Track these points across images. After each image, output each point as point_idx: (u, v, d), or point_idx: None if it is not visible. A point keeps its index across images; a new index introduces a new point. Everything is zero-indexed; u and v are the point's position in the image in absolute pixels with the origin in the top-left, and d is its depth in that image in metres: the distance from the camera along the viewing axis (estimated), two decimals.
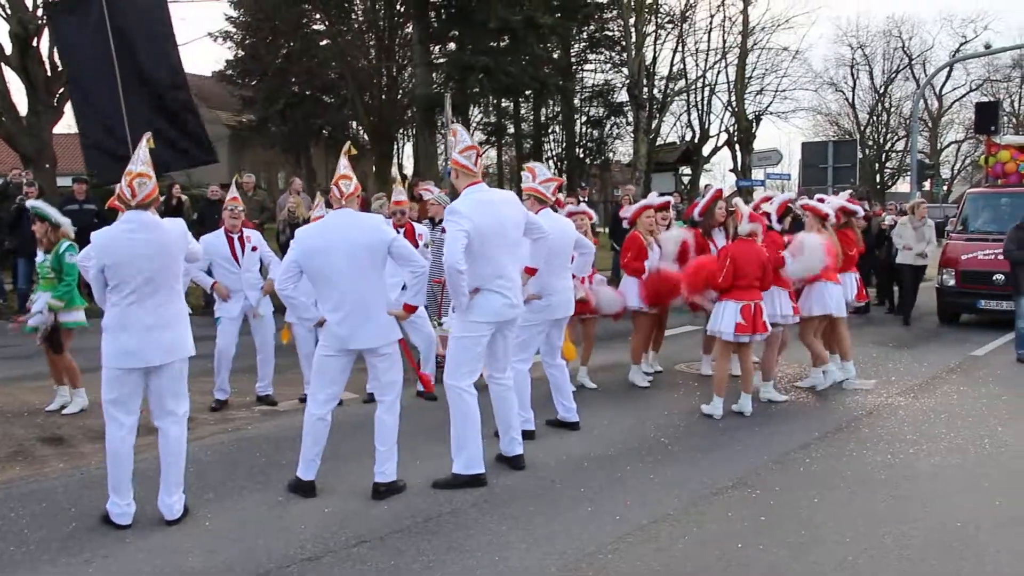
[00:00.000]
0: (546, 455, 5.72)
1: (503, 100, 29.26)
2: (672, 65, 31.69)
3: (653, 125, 30.51)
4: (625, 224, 8.71)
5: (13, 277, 12.30)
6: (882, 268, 13.33)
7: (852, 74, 43.85)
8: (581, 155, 32.54)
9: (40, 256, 6.90)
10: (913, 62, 43.24)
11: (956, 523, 4.61)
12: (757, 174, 26.64)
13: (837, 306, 7.71)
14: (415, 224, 7.90)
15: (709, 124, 32.99)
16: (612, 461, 5.65)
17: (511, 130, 32.43)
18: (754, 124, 32.80)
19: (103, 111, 7.06)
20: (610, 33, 29.95)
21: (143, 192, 4.47)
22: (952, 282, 11.89)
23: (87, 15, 7.00)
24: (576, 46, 30.83)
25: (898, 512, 4.77)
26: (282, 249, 10.85)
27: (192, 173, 20.70)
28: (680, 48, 31.56)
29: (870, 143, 44.02)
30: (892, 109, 44.36)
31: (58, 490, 5.09)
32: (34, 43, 16.05)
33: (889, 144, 45.21)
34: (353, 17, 29.20)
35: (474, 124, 30.87)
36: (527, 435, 5.80)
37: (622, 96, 30.73)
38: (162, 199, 7.80)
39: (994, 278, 11.29)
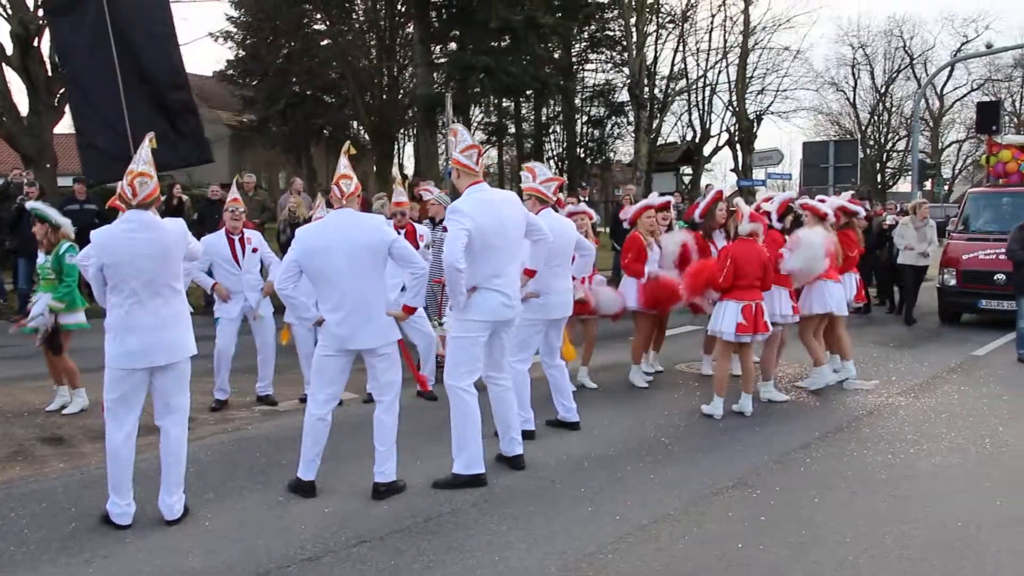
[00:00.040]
0: (546, 455, 5.72)
1: (504, 100, 29.28)
2: (673, 65, 31.76)
3: (654, 125, 30.50)
4: (625, 225, 8.69)
5: (14, 277, 12.31)
6: (883, 268, 13.31)
7: (853, 74, 43.91)
8: (582, 155, 32.55)
9: (41, 257, 6.90)
10: (914, 62, 43.28)
11: (957, 523, 4.60)
12: (758, 174, 26.62)
13: (838, 304, 7.70)
14: (416, 225, 7.90)
15: (710, 124, 33.05)
16: (612, 461, 5.64)
17: (512, 130, 32.46)
18: (755, 124, 32.83)
19: (102, 110, 7.05)
20: (611, 33, 29.96)
21: (144, 192, 4.47)
22: (953, 282, 11.88)
23: (84, 14, 6.99)
24: (577, 46, 30.84)
25: (899, 512, 4.76)
26: (282, 249, 10.85)
27: (193, 173, 20.72)
28: (681, 48, 31.62)
29: (871, 143, 44.02)
30: (893, 109, 44.39)
31: (58, 490, 5.09)
32: (35, 43, 16.06)
33: (890, 144, 45.21)
34: (354, 17, 29.22)
35: (475, 124, 30.88)
36: (527, 435, 5.80)
37: (623, 96, 30.78)
38: (163, 199, 7.79)
39: (995, 278, 11.27)
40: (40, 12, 15.82)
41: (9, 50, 16.15)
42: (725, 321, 6.71)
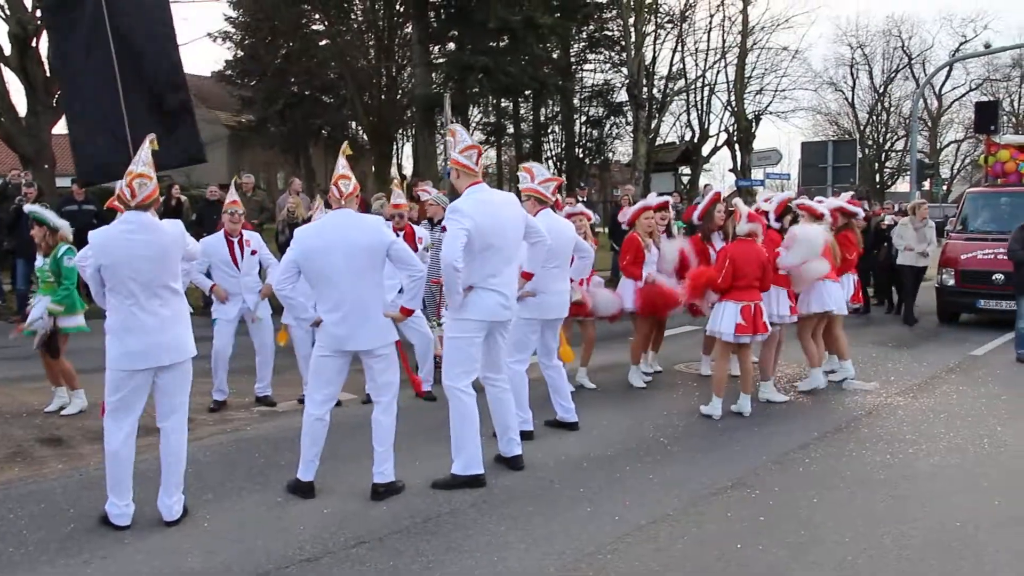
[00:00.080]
0: (545, 455, 5.72)
1: (502, 100, 29.29)
2: (672, 65, 31.73)
3: (652, 125, 30.51)
4: (624, 226, 8.69)
5: (12, 278, 12.31)
6: (882, 268, 13.32)
7: (852, 74, 43.95)
8: (580, 155, 32.56)
9: (39, 260, 6.89)
10: (913, 62, 43.31)
11: (955, 523, 4.61)
12: (757, 174, 26.63)
13: (837, 304, 7.69)
14: (415, 227, 7.89)
15: (709, 124, 33.02)
16: (611, 461, 5.64)
17: (511, 130, 32.47)
18: (754, 124, 32.80)
19: (100, 110, 7.03)
20: (609, 33, 29.97)
21: (143, 193, 4.47)
22: (952, 282, 11.90)
23: (81, 14, 6.98)
24: (575, 46, 30.84)
25: (897, 512, 4.77)
26: (281, 249, 10.85)
27: (191, 173, 20.68)
28: (680, 48, 31.60)
29: (870, 143, 44.05)
30: (892, 109, 44.44)
31: (57, 491, 5.09)
32: (33, 43, 16.05)
33: (889, 144, 45.26)
34: (352, 17, 29.21)
35: (473, 124, 30.88)
36: (526, 436, 5.80)
37: (621, 96, 30.79)
38: (161, 199, 7.77)
39: (994, 278, 11.29)
40: (38, 13, 15.81)
41: (7, 51, 16.14)
42: (724, 322, 6.71)
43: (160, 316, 4.47)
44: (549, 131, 33.13)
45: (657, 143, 31.29)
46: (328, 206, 5.31)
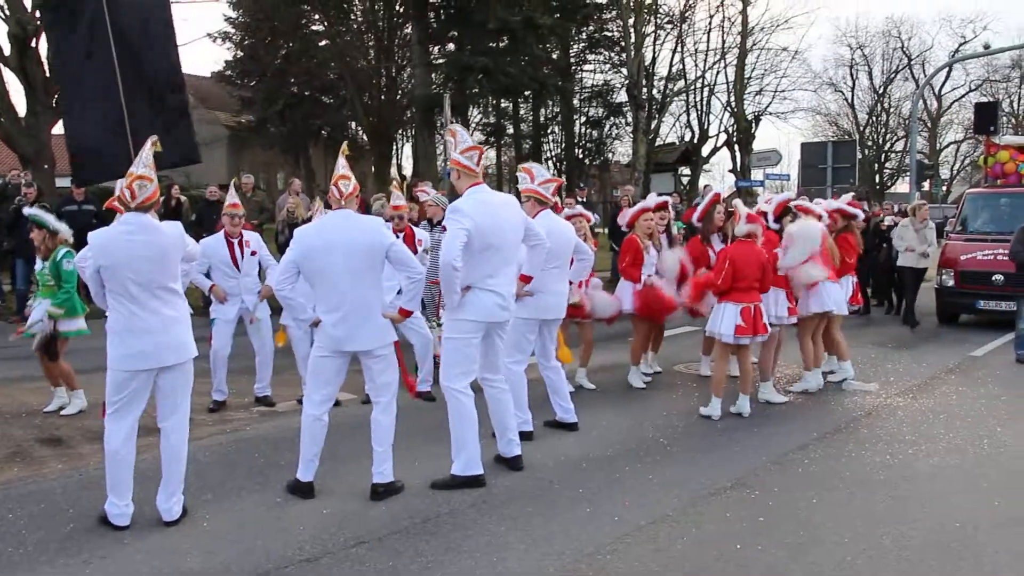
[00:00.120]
0: (544, 456, 5.72)
1: (502, 101, 29.29)
2: (671, 65, 31.75)
3: (652, 125, 30.52)
4: (624, 228, 8.68)
5: (12, 278, 12.30)
6: (882, 269, 13.32)
7: (851, 74, 43.98)
8: (580, 155, 32.57)
9: (39, 264, 6.88)
10: (912, 62, 43.31)
11: (955, 524, 4.61)
12: (756, 174, 26.61)
13: (836, 303, 7.69)
14: (415, 228, 7.89)
15: (708, 124, 33.03)
16: (610, 462, 5.64)
17: (510, 131, 32.48)
18: (753, 124, 32.80)
19: (99, 110, 7.03)
20: (609, 33, 29.99)
21: (143, 195, 4.47)
22: (951, 282, 11.90)
23: (82, 13, 6.97)
24: (575, 46, 30.85)
25: (897, 513, 4.77)
26: (280, 249, 10.85)
27: (191, 173, 20.70)
28: (679, 48, 31.61)
29: (869, 143, 44.06)
30: (891, 109, 44.47)
31: (56, 491, 5.08)
32: (33, 44, 16.05)
33: (888, 144, 45.29)
34: (352, 18, 29.23)
35: (473, 125, 30.88)
36: (525, 436, 5.80)
37: (621, 96, 30.81)
38: (161, 200, 7.77)
39: (993, 278, 11.29)
40: (38, 13, 15.81)
41: (7, 51, 16.14)
42: (724, 323, 6.70)
43: (162, 316, 4.47)
44: (549, 132, 33.15)
45: (657, 144, 31.31)
46: (328, 206, 5.31)
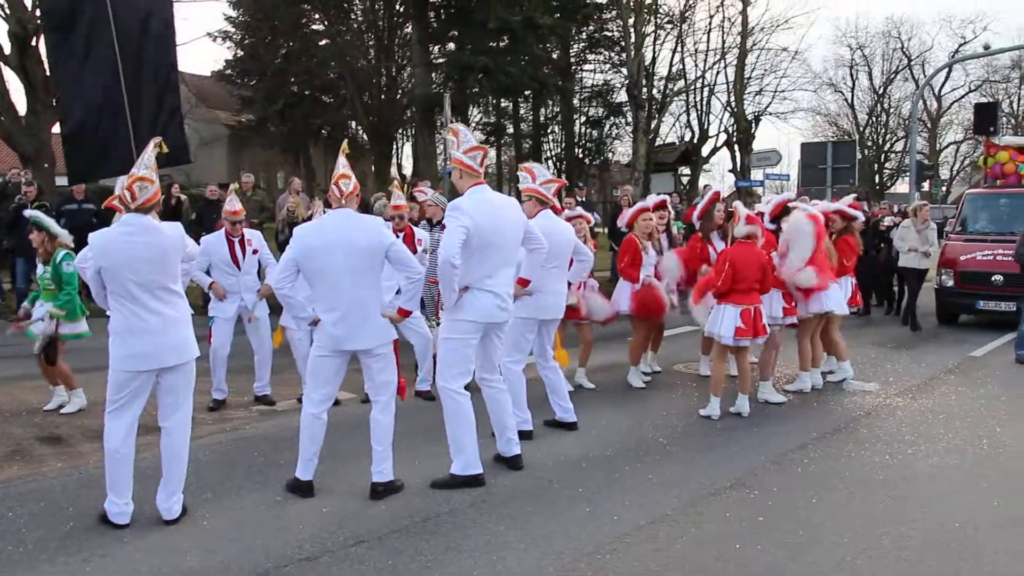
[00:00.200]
0: (544, 455, 5.72)
1: (502, 100, 29.27)
2: (671, 65, 31.71)
3: (652, 125, 30.49)
4: (623, 228, 8.67)
5: (12, 277, 12.30)
6: (882, 270, 13.32)
7: (851, 75, 43.96)
8: (580, 155, 32.55)
9: (40, 268, 6.88)
10: (912, 63, 43.30)
11: (954, 524, 4.61)
12: (756, 175, 26.63)
13: (836, 304, 7.69)
14: (415, 228, 7.90)
15: (708, 124, 33.00)
16: (610, 461, 5.65)
17: (510, 130, 32.46)
18: (753, 124, 32.78)
19: (98, 109, 7.04)
20: (609, 33, 29.96)
21: (144, 196, 4.47)
22: (951, 283, 11.90)
23: (82, 13, 6.98)
24: (575, 46, 30.83)
25: (896, 513, 4.77)
26: (280, 248, 10.85)
27: (191, 172, 20.71)
28: (679, 48, 31.57)
29: (869, 144, 44.05)
30: (891, 110, 44.47)
31: (56, 489, 5.09)
32: (33, 43, 16.05)
33: (888, 145, 45.28)
34: (352, 17, 29.21)
35: (473, 124, 30.86)
36: (524, 435, 5.80)
37: (621, 96, 30.78)
38: (161, 198, 7.77)
39: (993, 279, 11.30)
40: (38, 12, 15.81)
41: (7, 50, 16.14)
42: (724, 325, 6.70)
43: (163, 317, 4.47)
44: (549, 131, 33.13)
45: (657, 143, 31.28)
46: (328, 205, 5.31)
